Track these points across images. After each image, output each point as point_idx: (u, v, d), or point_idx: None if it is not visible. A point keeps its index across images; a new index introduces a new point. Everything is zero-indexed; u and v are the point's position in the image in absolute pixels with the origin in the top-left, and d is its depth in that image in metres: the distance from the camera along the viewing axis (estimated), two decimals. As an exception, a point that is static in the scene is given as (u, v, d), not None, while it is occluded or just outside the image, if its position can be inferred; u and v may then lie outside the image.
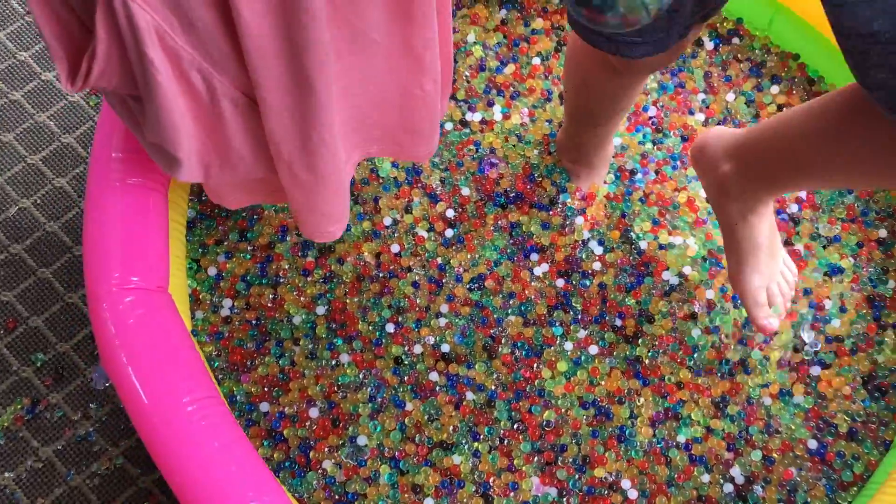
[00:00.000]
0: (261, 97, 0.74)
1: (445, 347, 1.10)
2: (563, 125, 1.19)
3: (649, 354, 1.10)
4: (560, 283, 1.14)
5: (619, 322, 1.12)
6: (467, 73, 1.28)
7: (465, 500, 1.02)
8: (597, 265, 1.15)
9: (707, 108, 1.26)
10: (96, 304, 0.92)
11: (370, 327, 1.11)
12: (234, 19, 0.66)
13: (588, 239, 1.17)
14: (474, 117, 1.25)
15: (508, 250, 1.16)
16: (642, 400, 1.08)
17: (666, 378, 1.09)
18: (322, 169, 0.83)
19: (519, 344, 1.10)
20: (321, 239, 0.95)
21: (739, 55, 1.29)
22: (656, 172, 1.21)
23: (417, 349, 1.10)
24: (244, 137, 0.78)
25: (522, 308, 1.13)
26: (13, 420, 1.13)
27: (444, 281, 1.14)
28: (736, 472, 1.05)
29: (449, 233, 1.17)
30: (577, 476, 1.04)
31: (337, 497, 1.02)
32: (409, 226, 1.17)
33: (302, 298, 1.13)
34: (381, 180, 1.20)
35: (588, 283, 1.14)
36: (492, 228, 1.17)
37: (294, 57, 0.71)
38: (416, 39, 0.79)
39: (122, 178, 0.97)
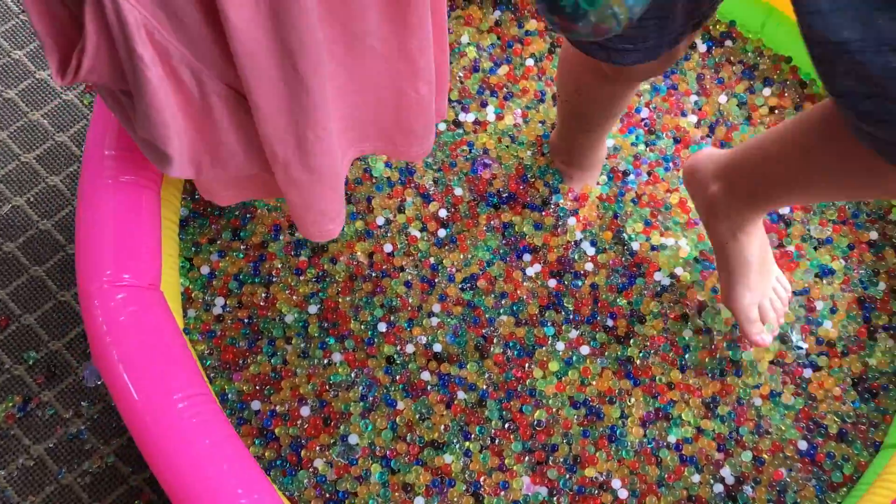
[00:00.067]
0: (253, 101, 0.74)
1: (437, 347, 1.10)
2: (556, 127, 1.19)
3: (640, 355, 1.10)
4: (552, 283, 1.14)
5: (610, 322, 1.12)
6: (461, 74, 1.28)
7: (455, 499, 1.02)
8: (589, 266, 1.15)
9: (699, 109, 1.27)
10: (88, 301, 0.92)
11: (362, 326, 1.11)
12: (221, 22, 0.66)
13: (580, 240, 1.17)
14: (468, 118, 1.25)
15: (501, 250, 1.17)
16: (633, 400, 1.08)
17: (657, 378, 1.09)
18: (319, 167, 0.83)
19: (511, 344, 1.11)
20: (320, 238, 0.95)
21: (732, 57, 1.30)
22: (648, 174, 1.22)
23: (409, 348, 1.10)
24: (235, 133, 0.78)
25: (514, 308, 1.13)
26: (4, 418, 1.13)
27: (436, 281, 1.15)
28: (726, 472, 1.06)
29: (442, 233, 1.17)
30: (567, 476, 1.04)
31: (328, 496, 1.02)
32: (401, 225, 1.17)
33: (294, 297, 1.13)
34: (374, 180, 1.20)
35: (580, 283, 1.14)
36: (484, 229, 1.18)
37: (287, 59, 0.71)
38: (411, 44, 0.79)
39: (115, 176, 0.97)
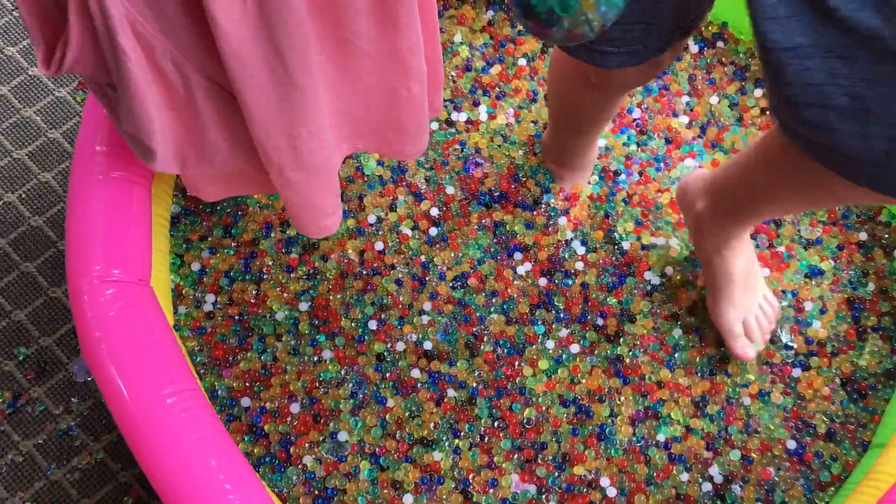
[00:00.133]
0: (244, 103, 0.74)
1: (428, 345, 1.10)
2: (547, 128, 1.20)
3: (630, 354, 1.10)
4: (543, 282, 1.15)
5: (600, 321, 1.12)
6: (453, 73, 1.28)
7: (444, 497, 1.03)
8: (579, 265, 1.16)
9: (691, 110, 1.27)
10: (77, 296, 0.92)
11: (353, 324, 1.11)
12: (205, 18, 0.66)
13: (571, 239, 1.17)
14: (460, 117, 1.25)
15: (492, 249, 1.17)
16: (622, 398, 1.08)
17: (646, 377, 1.09)
18: (312, 164, 0.83)
19: (501, 342, 1.11)
20: (318, 234, 0.95)
21: (724, 59, 1.30)
22: (640, 174, 1.22)
23: (400, 346, 1.10)
24: (219, 128, 0.78)
25: (505, 306, 1.13)
26: (-6, 414, 1.13)
27: (427, 279, 1.15)
28: (714, 471, 1.06)
29: (433, 231, 1.17)
30: (556, 474, 1.04)
31: (316, 492, 1.03)
32: (393, 224, 1.18)
33: (285, 295, 1.13)
34: (366, 178, 1.20)
35: (570, 282, 1.15)
36: (476, 227, 1.18)
37: (277, 58, 0.71)
38: (401, 45, 0.79)
39: (106, 172, 0.97)
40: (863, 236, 1.20)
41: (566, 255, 1.16)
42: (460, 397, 1.08)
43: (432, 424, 1.06)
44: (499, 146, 1.24)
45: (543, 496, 1.04)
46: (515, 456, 1.05)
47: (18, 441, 1.12)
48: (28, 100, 1.31)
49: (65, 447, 1.12)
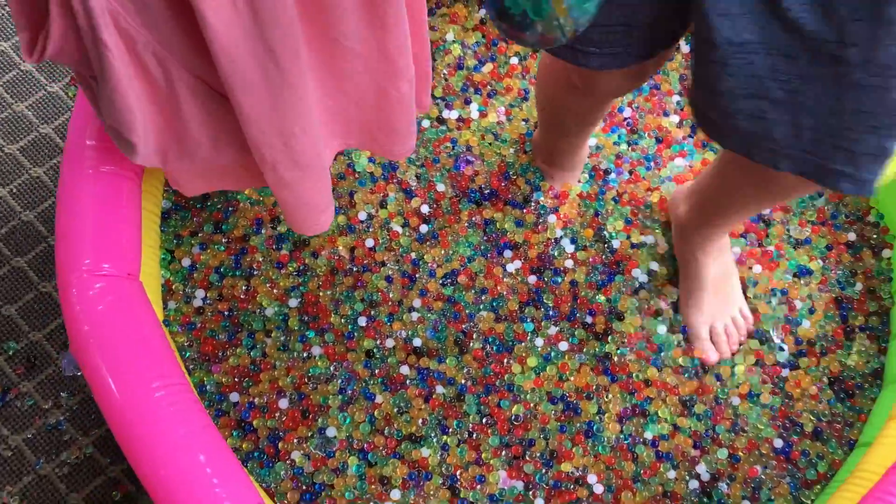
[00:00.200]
0: (237, 103, 0.74)
1: (417, 341, 1.11)
2: (537, 128, 1.20)
3: (618, 352, 1.11)
4: (532, 279, 1.15)
5: (589, 319, 1.13)
6: (445, 72, 1.29)
7: (432, 493, 1.03)
8: (569, 263, 1.16)
9: (681, 110, 1.28)
10: (66, 289, 0.92)
11: (342, 320, 1.12)
12: (189, 12, 0.66)
13: (560, 237, 1.18)
14: (451, 115, 1.26)
15: (482, 247, 1.17)
16: (610, 396, 1.09)
17: (634, 375, 1.10)
18: (306, 161, 0.83)
19: (490, 339, 1.11)
20: (313, 231, 0.95)
21: (714, 59, 1.31)
22: (630, 172, 1.23)
23: (389, 343, 1.11)
24: (202, 124, 0.78)
25: (494, 304, 1.14)
26: (-17, 408, 1.13)
27: (417, 276, 1.15)
28: (702, 468, 1.06)
29: (423, 228, 1.18)
30: (543, 470, 1.05)
31: (304, 487, 1.03)
32: (383, 221, 1.18)
33: (275, 291, 1.13)
34: (357, 175, 1.21)
35: (560, 280, 1.15)
36: (466, 225, 1.18)
37: (269, 56, 0.71)
38: (390, 45, 0.79)
39: (96, 166, 0.97)
40: (851, 236, 1.21)
41: (555, 253, 1.17)
42: (449, 394, 1.08)
43: (420, 421, 1.06)
44: (490, 144, 1.24)
45: (531, 492, 1.04)
46: (503, 452, 1.06)
47: (7, 435, 1.12)
48: (20, 95, 1.31)
49: (54, 442, 1.12)
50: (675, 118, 1.27)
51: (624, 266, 1.16)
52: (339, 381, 1.08)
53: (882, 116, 0.68)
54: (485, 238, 1.18)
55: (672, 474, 1.06)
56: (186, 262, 1.14)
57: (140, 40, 0.68)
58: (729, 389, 1.10)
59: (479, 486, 1.04)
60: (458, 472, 1.04)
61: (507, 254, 1.17)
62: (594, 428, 1.07)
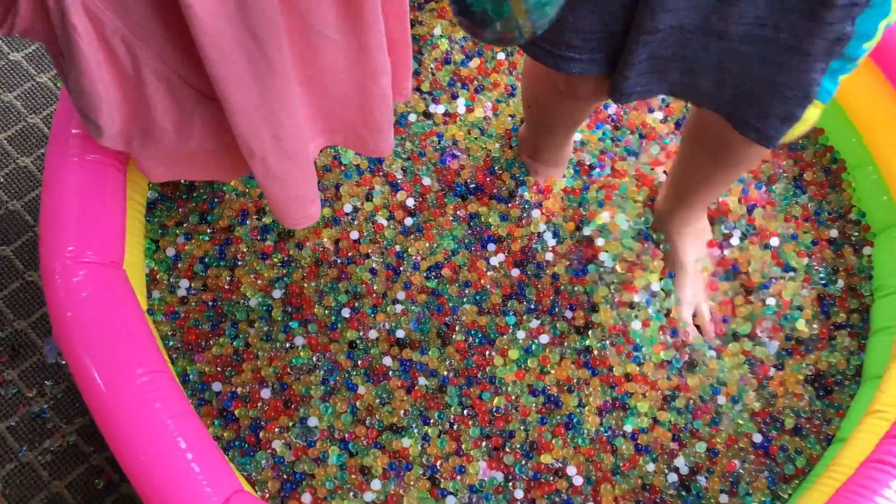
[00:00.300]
0: (224, 96, 0.75)
1: (400, 333, 1.11)
2: (523, 124, 1.21)
3: (599, 345, 1.12)
4: (515, 272, 1.16)
5: (569, 313, 1.13)
6: (432, 66, 1.29)
7: (412, 483, 1.04)
8: (549, 256, 1.17)
9: (667, 106, 1.28)
10: (50, 276, 0.93)
11: (326, 312, 1.12)
12: (169, 10, 0.67)
13: (544, 231, 1.18)
14: (438, 109, 1.27)
15: (466, 240, 1.18)
16: (590, 389, 1.09)
17: (614, 369, 1.11)
18: (293, 150, 0.84)
19: (472, 332, 1.12)
20: (303, 224, 0.96)
21: (700, 57, 1.32)
22: (613, 168, 1.23)
23: (372, 334, 1.11)
24: (168, 111, 0.79)
25: (477, 297, 1.14)
26: (-33, 395, 1.14)
27: (401, 268, 1.16)
28: (680, 462, 1.07)
29: (408, 221, 1.18)
30: (523, 462, 1.06)
31: (285, 477, 1.03)
32: (369, 213, 1.19)
33: (259, 281, 1.14)
34: (343, 167, 1.21)
35: (542, 273, 1.16)
36: (451, 218, 1.19)
37: (255, 45, 0.72)
38: (369, 39, 0.80)
39: (81, 154, 0.98)
40: (833, 233, 1.22)
41: (539, 248, 1.18)
42: (431, 385, 1.09)
43: (402, 412, 1.07)
44: (476, 139, 1.25)
45: (510, 483, 1.05)
46: (484, 443, 1.06)
47: (-9, 423, 1.13)
48: (8, 85, 1.32)
49: (37, 429, 1.13)
50: (660, 115, 1.28)
51: (599, 255, 1.17)
52: (322, 371, 1.09)
53: (796, 91, 0.78)
54: (469, 232, 1.18)
55: (651, 467, 1.06)
56: (171, 251, 1.14)
57: (109, 25, 0.68)
58: (709, 384, 1.11)
59: (459, 477, 1.04)
60: (438, 463, 1.05)
61: (491, 247, 1.17)
62: (574, 420, 1.08)
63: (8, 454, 1.11)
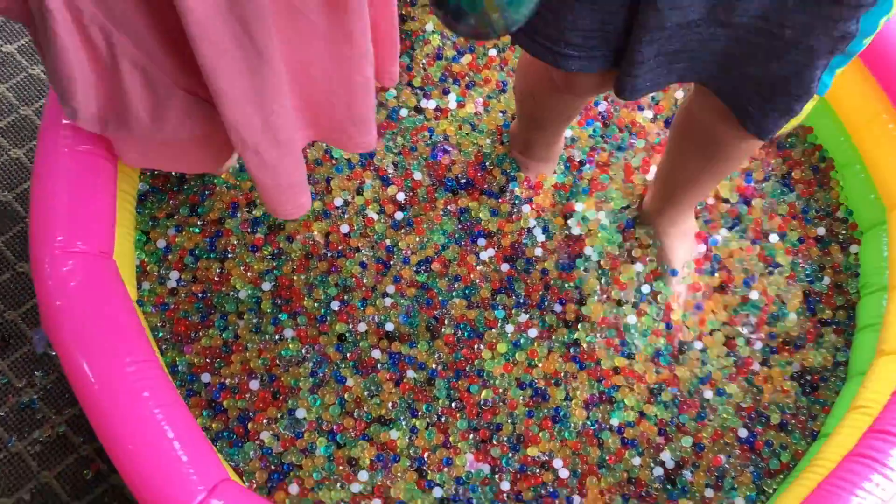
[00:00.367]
0: (216, 86, 0.76)
1: (389, 326, 1.12)
2: (515, 120, 1.22)
3: (587, 339, 1.12)
4: (505, 267, 1.16)
5: (559, 307, 1.14)
6: (424, 62, 1.30)
7: (399, 474, 1.04)
8: (538, 251, 1.17)
9: (656, 104, 1.29)
10: (39, 265, 0.93)
11: (315, 304, 1.13)
12: (179, 13, 0.67)
13: (534, 227, 1.19)
14: (429, 104, 1.27)
15: (456, 235, 1.18)
16: (578, 382, 1.10)
17: (602, 362, 1.11)
18: (285, 139, 0.85)
19: (461, 325, 1.13)
20: (294, 214, 0.97)
21: (690, 55, 1.32)
22: (603, 164, 1.24)
23: (362, 327, 1.12)
24: (142, 99, 0.80)
25: (467, 291, 1.15)
26: (-43, 385, 1.14)
27: (391, 262, 1.16)
28: (666, 456, 1.08)
29: (399, 215, 1.19)
30: (510, 454, 1.06)
31: (273, 467, 1.04)
32: (359, 207, 1.19)
33: (249, 274, 1.14)
34: (334, 161, 1.22)
35: (532, 268, 1.16)
36: (441, 213, 1.20)
37: (244, 31, 0.73)
38: (353, 26, 0.81)
39: (72, 145, 0.98)
40: (821, 231, 1.23)
41: (528, 243, 1.18)
42: (419, 378, 1.09)
43: (390, 404, 1.08)
44: (467, 134, 1.25)
45: (497, 476, 1.05)
46: (471, 436, 1.07)
47: (-20, 413, 1.13)
48: (1, 76, 1.32)
49: (26, 420, 1.13)
50: (650, 113, 1.29)
51: (585, 248, 1.17)
52: (311, 363, 1.09)
53: (797, 86, 0.79)
54: (459, 226, 1.19)
55: (637, 461, 1.07)
56: (161, 243, 1.15)
57: (87, 12, 0.69)
58: (696, 378, 1.12)
59: (446, 469, 1.05)
60: (425, 455, 1.05)
61: (481, 242, 1.18)
62: (561, 414, 1.08)
63: (-3, 444, 1.12)
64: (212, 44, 0.72)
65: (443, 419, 1.08)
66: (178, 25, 0.72)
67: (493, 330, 1.13)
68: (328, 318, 1.12)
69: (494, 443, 1.07)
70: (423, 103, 1.27)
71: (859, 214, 1.23)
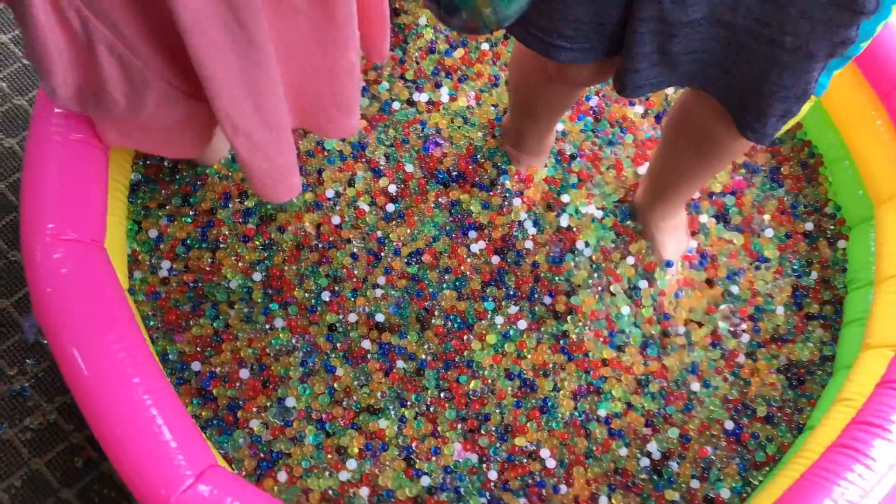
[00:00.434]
0: (206, 73, 0.76)
1: (380, 317, 1.13)
2: (507, 113, 1.23)
3: (576, 330, 1.13)
4: (495, 260, 1.17)
5: (548, 300, 1.15)
6: (417, 55, 1.31)
7: (387, 463, 1.05)
8: (529, 244, 1.18)
9: (647, 99, 1.30)
10: (30, 252, 0.94)
11: (306, 295, 1.14)
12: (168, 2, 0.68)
13: (524, 219, 1.20)
14: (421, 98, 1.28)
15: (447, 227, 1.19)
16: (566, 373, 1.11)
17: (590, 354, 1.12)
18: (275, 121, 0.86)
19: (451, 317, 1.13)
20: (286, 196, 0.97)
21: (682, 51, 1.33)
22: (594, 159, 1.25)
23: (352, 318, 1.12)
24: (119, 83, 0.81)
25: (457, 283, 1.16)
26: (-52, 372, 1.14)
27: (382, 254, 1.17)
28: (653, 447, 1.09)
29: (390, 207, 1.20)
30: (498, 444, 1.07)
31: (262, 455, 1.05)
32: (351, 199, 1.20)
33: (240, 264, 1.15)
34: (326, 153, 1.22)
35: (522, 261, 1.17)
36: (433, 205, 1.20)
37: (232, 16, 0.74)
38: (338, 11, 0.82)
39: (64, 133, 0.99)
40: (809, 226, 1.24)
41: (519, 235, 1.19)
42: (409, 368, 1.10)
43: (380, 394, 1.08)
44: (459, 127, 1.26)
45: (484, 465, 1.06)
46: (459, 426, 1.08)
47: (-29, 400, 1.13)
48: (-5, 66, 1.32)
49: (18, 407, 1.13)
50: (640, 108, 1.29)
51: (576, 241, 1.18)
52: (301, 353, 1.10)
53: (797, 89, 0.80)
54: (450, 219, 1.20)
55: (624, 451, 1.08)
56: (153, 233, 1.15)
57: None
58: (684, 369, 1.13)
59: (434, 458, 1.06)
60: (414, 444, 1.06)
61: (472, 234, 1.19)
62: (549, 404, 1.09)
63: (-12, 431, 1.12)
64: (203, 32, 0.73)
65: (431, 409, 1.09)
66: (160, 16, 0.73)
67: (483, 321, 1.13)
68: (319, 309, 1.13)
69: (482, 432, 1.08)
70: (416, 96, 1.28)
71: (847, 210, 1.24)
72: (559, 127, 1.26)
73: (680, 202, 1.16)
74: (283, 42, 0.82)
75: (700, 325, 1.16)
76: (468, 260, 1.17)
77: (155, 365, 0.95)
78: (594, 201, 1.22)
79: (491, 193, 1.21)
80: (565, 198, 1.21)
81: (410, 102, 1.28)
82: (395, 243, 1.18)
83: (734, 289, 1.18)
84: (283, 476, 1.03)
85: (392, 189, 1.21)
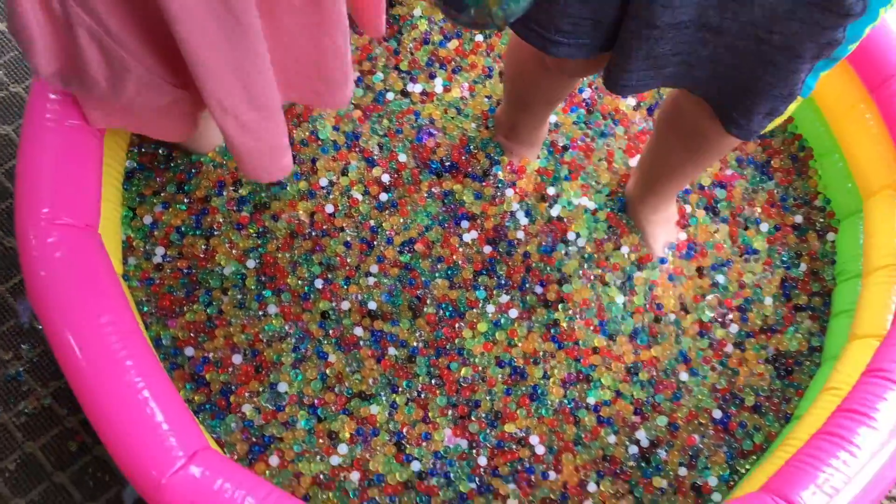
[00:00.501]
0: (195, 58, 0.77)
1: (372, 305, 1.14)
2: (501, 104, 1.23)
3: (567, 319, 1.14)
4: (487, 249, 1.18)
5: (539, 289, 1.16)
6: (411, 46, 1.32)
7: (378, 448, 1.06)
8: (520, 234, 1.19)
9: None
10: (24, 236, 0.94)
11: (299, 282, 1.14)
12: None
13: (517, 210, 1.21)
14: (415, 88, 1.29)
15: (440, 217, 1.20)
16: (556, 361, 1.12)
17: (581, 342, 1.13)
18: (264, 102, 0.87)
19: (443, 305, 1.14)
20: (277, 175, 0.98)
21: (674, 44, 1.34)
22: (587, 150, 1.26)
23: (345, 305, 1.13)
24: (100, 66, 0.82)
25: (449, 272, 1.17)
26: (-57, 357, 1.15)
27: (375, 242, 1.18)
28: (641, 435, 1.10)
29: (383, 197, 1.21)
30: (488, 430, 1.08)
31: (254, 440, 1.06)
32: (344, 188, 1.21)
33: (234, 251, 1.16)
34: (320, 142, 1.23)
35: (514, 251, 1.18)
36: (425, 195, 1.21)
37: (220, 1, 0.75)
38: None
39: (59, 119, 0.99)
40: (798, 219, 1.25)
41: (511, 226, 1.20)
42: (401, 355, 1.11)
43: (371, 380, 1.09)
44: (452, 118, 1.27)
45: (474, 451, 1.07)
46: (450, 412, 1.09)
47: (-34, 384, 1.14)
48: (-8, 54, 1.33)
49: (12, 391, 1.14)
50: (632, 101, 1.30)
51: (568, 231, 1.19)
52: (293, 339, 1.11)
53: (783, 89, 0.81)
54: (443, 209, 1.21)
55: (612, 439, 1.09)
56: (148, 219, 1.16)
57: None
58: (672, 358, 1.14)
59: (424, 444, 1.07)
60: (404, 430, 1.07)
61: (465, 224, 1.20)
62: (539, 392, 1.10)
63: (-18, 415, 1.13)
64: (191, 16, 0.74)
65: (422, 395, 1.10)
66: (144, 5, 0.74)
67: (475, 310, 1.14)
68: (312, 296, 1.14)
69: (473, 419, 1.09)
70: (410, 87, 1.29)
71: (837, 203, 1.25)
72: (552, 118, 1.27)
73: (670, 195, 1.17)
74: (273, 26, 0.83)
75: (687, 311, 1.17)
76: (460, 249, 1.18)
77: (148, 350, 0.96)
78: (586, 193, 1.23)
79: (483, 184, 1.22)
80: (557, 189, 1.22)
81: (404, 93, 1.29)
82: (387, 232, 1.19)
83: (721, 279, 1.19)
84: (274, 460, 1.04)
85: (385, 178, 1.22)
